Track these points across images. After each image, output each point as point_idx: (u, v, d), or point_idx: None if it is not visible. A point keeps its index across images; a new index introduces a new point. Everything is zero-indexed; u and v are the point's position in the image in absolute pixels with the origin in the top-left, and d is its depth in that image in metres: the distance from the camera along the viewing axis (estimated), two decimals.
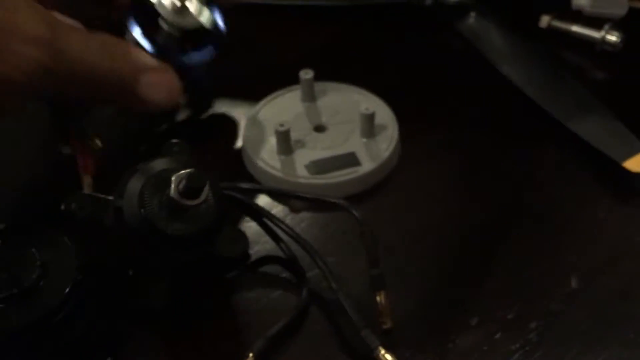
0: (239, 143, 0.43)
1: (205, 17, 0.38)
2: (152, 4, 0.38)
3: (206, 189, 0.28)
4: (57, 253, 0.30)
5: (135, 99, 0.35)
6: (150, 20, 0.38)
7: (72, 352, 0.31)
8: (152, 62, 0.36)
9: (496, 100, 0.46)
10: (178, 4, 0.38)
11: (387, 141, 0.41)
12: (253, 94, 0.46)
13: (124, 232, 0.30)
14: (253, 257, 0.37)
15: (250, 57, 0.50)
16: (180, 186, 0.28)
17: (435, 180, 0.41)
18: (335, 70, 0.47)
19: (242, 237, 0.37)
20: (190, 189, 0.28)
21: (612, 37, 0.47)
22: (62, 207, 0.33)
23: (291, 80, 0.44)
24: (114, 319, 0.33)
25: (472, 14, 0.50)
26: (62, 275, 0.29)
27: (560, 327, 0.33)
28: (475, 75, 0.47)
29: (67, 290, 0.29)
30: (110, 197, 0.32)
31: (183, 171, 0.28)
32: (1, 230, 0.31)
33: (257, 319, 0.34)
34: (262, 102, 0.44)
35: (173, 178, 0.28)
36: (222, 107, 0.47)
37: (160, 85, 0.36)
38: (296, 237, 0.35)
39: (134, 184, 0.30)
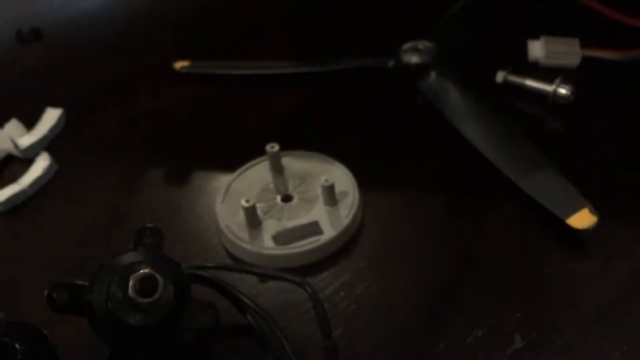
0: (214, 215, 0.46)
1: None
2: None
3: (160, 287, 0.32)
4: (35, 344, 0.33)
5: None
6: None
7: None
8: None
9: (454, 158, 0.48)
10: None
11: (348, 208, 0.44)
12: (229, 164, 0.49)
13: (94, 322, 0.33)
14: (223, 328, 0.40)
15: (224, 126, 0.54)
16: (137, 286, 0.31)
17: (393, 244, 0.44)
18: (301, 135, 0.51)
19: (212, 309, 0.40)
20: (145, 289, 0.31)
21: (563, 90, 0.50)
22: (45, 295, 0.37)
23: (262, 149, 0.48)
24: None
25: (433, 74, 0.53)
26: None
27: None
28: (436, 134, 0.50)
29: None
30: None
31: (140, 271, 0.31)
32: None
33: None
34: (235, 174, 0.48)
35: (130, 278, 0.31)
36: (199, 179, 0.50)
37: None
38: (258, 310, 0.38)
39: (103, 279, 0.33)
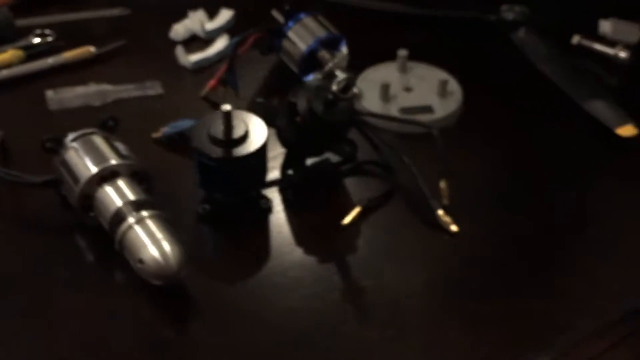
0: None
1: None
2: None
3: (352, 89, 0.48)
4: None
5: None
6: None
7: None
8: None
9: (530, 89, 0.64)
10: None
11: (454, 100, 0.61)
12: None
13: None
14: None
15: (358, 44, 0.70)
16: (341, 85, 0.47)
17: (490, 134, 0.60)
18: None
19: (353, 144, 0.56)
20: (347, 86, 0.47)
21: (623, 54, 0.66)
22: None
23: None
24: None
25: (523, 29, 0.69)
26: None
27: None
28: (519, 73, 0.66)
29: None
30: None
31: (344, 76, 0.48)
32: None
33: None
34: (369, 70, 0.64)
35: (337, 78, 0.48)
36: None
37: None
38: (390, 144, 0.54)
39: (303, 90, 0.50)
